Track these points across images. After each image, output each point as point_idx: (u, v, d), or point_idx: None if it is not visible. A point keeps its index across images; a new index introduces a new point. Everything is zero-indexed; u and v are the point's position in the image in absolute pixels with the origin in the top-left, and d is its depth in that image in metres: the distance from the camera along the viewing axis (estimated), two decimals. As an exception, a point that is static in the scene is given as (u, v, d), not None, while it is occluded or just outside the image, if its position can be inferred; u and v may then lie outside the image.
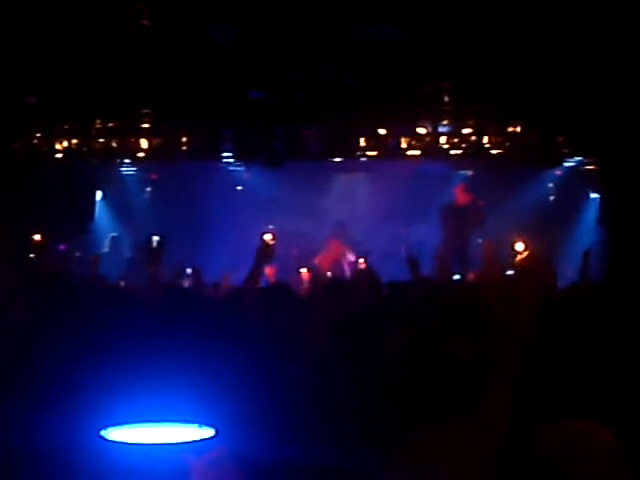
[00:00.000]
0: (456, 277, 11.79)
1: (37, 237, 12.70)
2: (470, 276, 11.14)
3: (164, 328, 4.96)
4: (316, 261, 13.82)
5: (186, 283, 10.28)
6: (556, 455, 2.70)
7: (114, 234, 15.82)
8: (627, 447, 2.75)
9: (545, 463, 2.71)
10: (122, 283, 11.27)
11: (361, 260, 12.88)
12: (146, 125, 13.62)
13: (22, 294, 7.65)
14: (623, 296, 6.57)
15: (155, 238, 6.88)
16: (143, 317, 5.27)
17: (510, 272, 11.49)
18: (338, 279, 8.29)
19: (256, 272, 6.66)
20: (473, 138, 13.12)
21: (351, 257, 13.85)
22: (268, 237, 11.29)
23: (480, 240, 14.20)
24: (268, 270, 10.18)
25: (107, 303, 5.72)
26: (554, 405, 4.17)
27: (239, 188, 16.43)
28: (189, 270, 10.74)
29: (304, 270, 12.30)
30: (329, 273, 12.55)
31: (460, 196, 14.14)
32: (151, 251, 6.77)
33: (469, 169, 15.40)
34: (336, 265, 13.69)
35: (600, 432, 2.77)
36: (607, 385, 4.55)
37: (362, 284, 7.54)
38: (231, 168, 15.50)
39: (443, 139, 13.13)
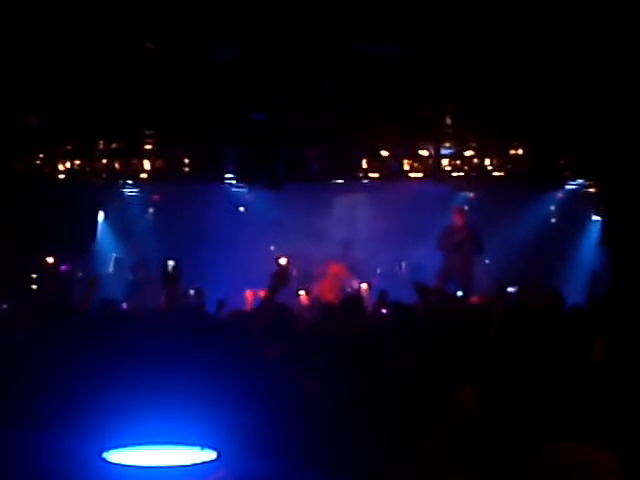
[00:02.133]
0: (459, 293, 11.81)
1: (40, 257, 12.73)
2: (473, 299, 11.16)
3: (167, 351, 4.95)
4: (316, 288, 13.80)
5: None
6: (560, 477, 2.70)
7: (117, 255, 15.81)
8: (628, 471, 2.75)
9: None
10: (124, 305, 11.27)
11: (364, 286, 12.88)
12: (149, 146, 13.65)
13: (24, 315, 7.64)
14: (624, 317, 6.58)
15: (170, 262, 6.89)
16: (145, 340, 5.26)
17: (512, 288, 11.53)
18: (342, 302, 8.27)
19: (272, 296, 6.67)
20: (475, 160, 13.13)
21: (354, 283, 13.84)
22: (283, 261, 11.28)
23: (487, 261, 14.23)
24: (262, 292, 10.18)
25: (110, 325, 5.72)
26: (558, 427, 4.17)
27: (241, 209, 16.44)
28: (192, 291, 10.74)
29: (302, 293, 12.30)
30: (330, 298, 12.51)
31: (456, 218, 14.17)
32: (167, 275, 6.79)
33: (471, 191, 15.42)
34: (337, 291, 13.66)
35: (602, 455, 2.77)
36: (609, 408, 4.55)
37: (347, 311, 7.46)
38: (233, 189, 15.52)
39: (445, 161, 13.15)
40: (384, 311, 8.34)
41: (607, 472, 2.70)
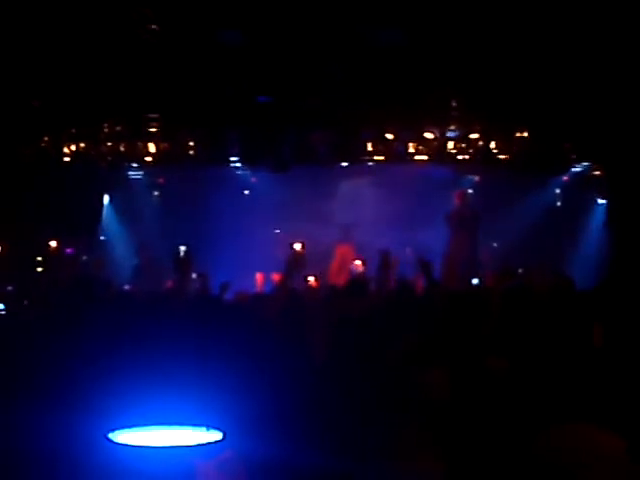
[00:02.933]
0: (475, 281, 11.81)
1: (45, 240, 12.74)
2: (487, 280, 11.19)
3: (174, 333, 4.96)
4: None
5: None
6: (561, 459, 2.70)
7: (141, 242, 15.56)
8: (631, 451, 2.75)
9: (550, 467, 2.71)
10: (126, 287, 11.26)
11: (358, 262, 12.86)
12: (154, 129, 13.64)
13: (30, 295, 7.66)
14: (627, 299, 6.58)
15: (182, 248, 6.94)
16: (153, 322, 5.28)
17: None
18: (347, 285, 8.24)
19: (287, 281, 6.69)
20: (480, 143, 13.11)
21: (358, 262, 13.84)
22: (298, 246, 11.29)
23: (495, 244, 14.21)
24: (275, 275, 10.21)
25: (118, 307, 5.73)
26: (559, 409, 4.17)
27: (246, 192, 16.42)
28: (194, 275, 10.72)
29: (312, 278, 12.29)
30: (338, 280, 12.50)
31: (457, 201, 14.18)
32: (178, 261, 6.85)
33: (476, 174, 15.38)
34: (345, 273, 13.66)
35: (604, 436, 2.77)
36: (611, 388, 4.55)
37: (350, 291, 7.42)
38: (238, 172, 15.49)
39: (450, 144, 13.13)
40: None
41: (611, 453, 2.70)
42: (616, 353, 5.20)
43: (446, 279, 11.62)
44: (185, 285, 7.19)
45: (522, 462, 2.81)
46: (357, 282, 7.57)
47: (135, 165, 14.67)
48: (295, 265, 6.86)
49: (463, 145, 13.16)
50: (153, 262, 13.37)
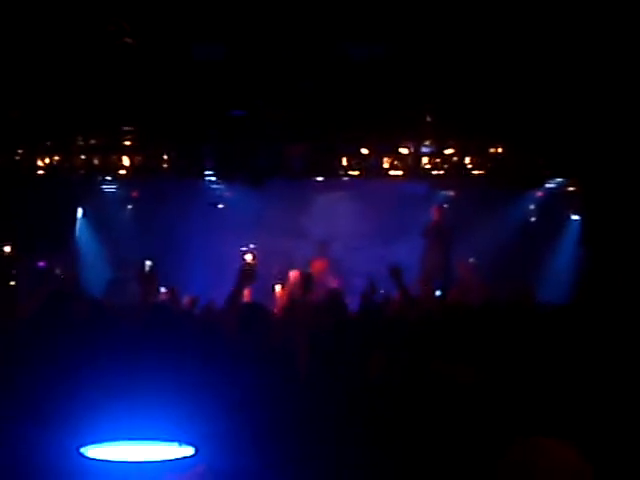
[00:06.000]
0: (437, 293, 11.85)
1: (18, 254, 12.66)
2: (452, 292, 11.22)
3: (144, 347, 4.94)
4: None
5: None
6: (522, 473, 2.72)
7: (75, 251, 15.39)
8: (595, 466, 2.76)
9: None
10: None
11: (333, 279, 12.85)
12: (128, 142, 13.61)
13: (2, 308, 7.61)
14: (601, 316, 6.62)
15: (148, 263, 6.90)
16: (125, 336, 5.25)
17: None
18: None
19: (237, 292, 6.68)
20: (455, 159, 13.17)
21: (332, 278, 13.81)
22: (249, 257, 11.26)
23: (472, 259, 14.28)
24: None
25: (90, 321, 5.70)
26: (521, 423, 4.19)
27: (220, 206, 16.39)
28: (163, 289, 10.67)
29: (278, 287, 12.25)
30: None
31: (435, 216, 14.24)
32: (143, 275, 6.81)
33: (451, 189, 15.44)
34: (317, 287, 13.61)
35: (564, 449, 2.79)
36: (573, 402, 4.58)
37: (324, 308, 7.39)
38: (213, 186, 15.48)
39: (425, 159, 13.18)
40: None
41: (569, 467, 2.72)
42: (583, 368, 5.22)
43: (422, 291, 11.65)
44: (150, 297, 7.15)
45: (486, 476, 2.82)
46: (334, 299, 7.54)
47: (109, 178, 14.63)
48: (245, 278, 6.86)
49: (438, 160, 13.22)
50: (128, 276, 13.32)
